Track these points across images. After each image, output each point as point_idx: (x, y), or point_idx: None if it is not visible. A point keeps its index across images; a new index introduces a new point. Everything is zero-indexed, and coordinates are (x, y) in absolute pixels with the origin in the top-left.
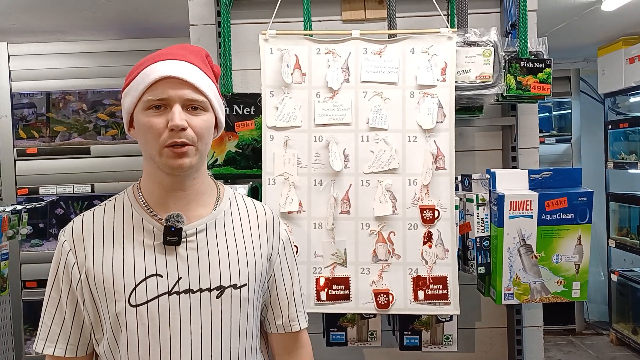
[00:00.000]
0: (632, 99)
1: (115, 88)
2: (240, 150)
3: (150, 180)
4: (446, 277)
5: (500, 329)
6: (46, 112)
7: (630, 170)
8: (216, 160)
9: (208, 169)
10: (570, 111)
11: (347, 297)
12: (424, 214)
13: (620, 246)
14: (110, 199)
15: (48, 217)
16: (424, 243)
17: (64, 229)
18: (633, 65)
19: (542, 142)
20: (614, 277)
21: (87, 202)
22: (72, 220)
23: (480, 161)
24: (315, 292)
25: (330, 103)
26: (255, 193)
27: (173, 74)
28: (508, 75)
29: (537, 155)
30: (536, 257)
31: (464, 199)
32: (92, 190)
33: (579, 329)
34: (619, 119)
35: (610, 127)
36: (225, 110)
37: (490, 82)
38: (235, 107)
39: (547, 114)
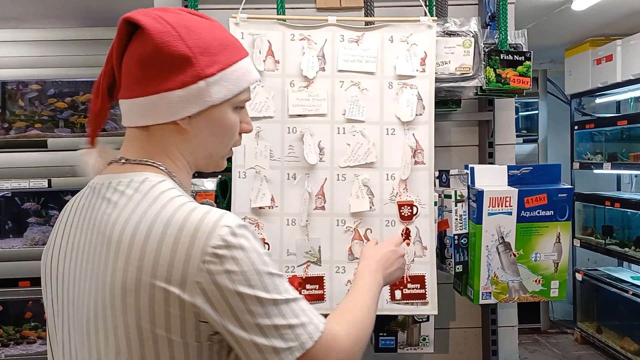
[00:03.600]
0: (598, 100)
1: (76, 78)
2: None
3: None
4: (424, 276)
5: (474, 329)
6: (1, 103)
7: (596, 171)
8: None
9: None
10: (537, 112)
11: (321, 298)
12: (402, 210)
13: (586, 246)
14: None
15: (2, 214)
16: (402, 240)
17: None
18: (600, 66)
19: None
20: (578, 276)
21: (43, 197)
22: None
23: (456, 157)
24: None
25: (305, 93)
26: (225, 187)
27: (259, 77)
28: (488, 67)
29: (513, 152)
30: (515, 255)
31: (442, 195)
32: (49, 185)
33: (544, 328)
34: (585, 119)
35: (576, 127)
36: None
37: (470, 74)
38: None
39: (514, 115)
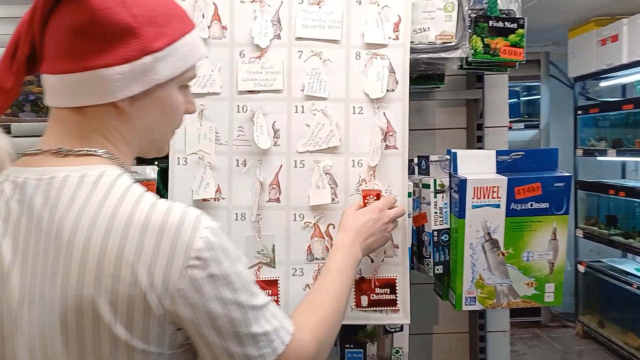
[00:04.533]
0: (603, 84)
1: None
2: None
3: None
4: (395, 280)
5: (461, 334)
6: None
7: (600, 158)
8: None
9: None
10: (539, 96)
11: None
12: (367, 201)
13: (588, 236)
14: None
15: None
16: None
17: None
18: (604, 47)
19: (509, 128)
20: (581, 268)
21: None
22: None
23: (441, 141)
24: None
25: (257, 64)
26: (166, 176)
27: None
28: (474, 36)
29: (506, 135)
30: (503, 255)
31: (420, 185)
32: None
33: (544, 321)
34: (589, 104)
35: (579, 112)
36: None
37: (453, 43)
38: None
39: (516, 99)
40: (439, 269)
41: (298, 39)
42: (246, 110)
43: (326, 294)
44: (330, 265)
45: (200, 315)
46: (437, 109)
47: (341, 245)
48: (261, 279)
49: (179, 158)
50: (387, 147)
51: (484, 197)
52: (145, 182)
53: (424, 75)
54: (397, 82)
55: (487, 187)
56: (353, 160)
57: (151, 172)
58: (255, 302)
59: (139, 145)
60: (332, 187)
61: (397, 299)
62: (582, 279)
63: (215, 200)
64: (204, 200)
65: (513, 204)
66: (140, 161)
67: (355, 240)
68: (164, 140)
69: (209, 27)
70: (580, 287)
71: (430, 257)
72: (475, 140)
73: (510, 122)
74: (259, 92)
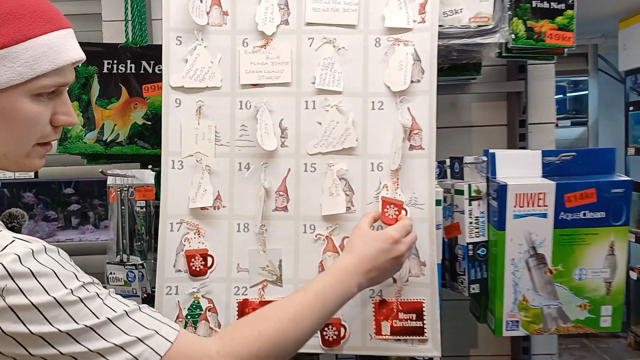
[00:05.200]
0: None
1: None
2: (150, 123)
3: None
4: (422, 303)
5: (502, 358)
6: None
7: None
8: (117, 136)
9: (107, 146)
10: (587, 92)
11: None
12: (386, 211)
13: None
14: None
15: None
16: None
17: None
18: None
19: (555, 125)
20: (633, 275)
21: (34, 189)
22: None
23: (478, 140)
24: None
25: (262, 54)
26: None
27: (82, 56)
28: (515, 19)
29: (553, 134)
30: (551, 272)
31: (452, 191)
32: (36, 176)
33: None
34: None
35: (631, 108)
36: (131, 68)
37: (490, 27)
38: (144, 63)
39: (562, 95)
40: (475, 288)
41: (308, 24)
42: (250, 106)
43: (284, 311)
44: (312, 284)
45: (13, 347)
46: (474, 104)
47: (337, 270)
48: (266, 299)
49: (173, 161)
50: (411, 147)
51: (528, 206)
52: (144, 188)
53: (458, 65)
54: (423, 72)
55: (531, 194)
56: (372, 164)
57: (150, 177)
58: (95, 321)
59: None
60: (347, 195)
61: (425, 326)
62: (634, 286)
63: (214, 209)
64: (202, 208)
65: (562, 213)
66: (143, 165)
67: (356, 269)
68: (19, 154)
69: (208, 13)
70: (633, 295)
71: (464, 274)
72: (518, 139)
73: (556, 119)
74: (264, 85)
